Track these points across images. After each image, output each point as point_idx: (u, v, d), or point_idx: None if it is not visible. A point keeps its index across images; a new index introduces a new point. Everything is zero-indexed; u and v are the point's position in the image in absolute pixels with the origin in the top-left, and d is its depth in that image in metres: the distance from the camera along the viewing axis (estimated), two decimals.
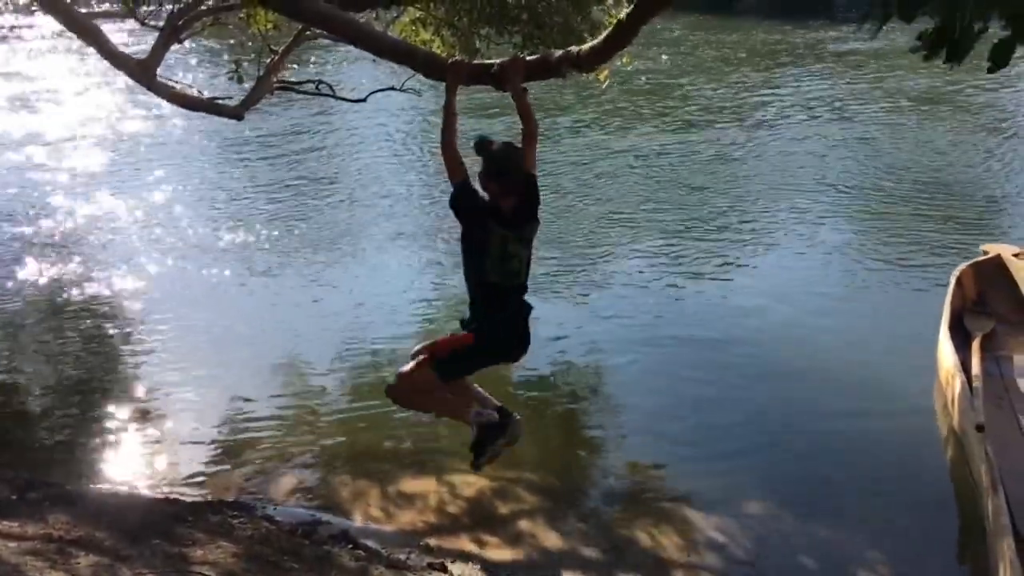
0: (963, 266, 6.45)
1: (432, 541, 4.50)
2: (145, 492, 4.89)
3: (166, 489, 4.91)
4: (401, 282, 7.71)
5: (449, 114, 3.54)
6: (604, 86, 4.79)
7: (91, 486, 4.96)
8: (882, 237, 8.39)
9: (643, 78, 15.06)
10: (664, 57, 17.06)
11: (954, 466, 5.06)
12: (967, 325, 6.00)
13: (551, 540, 4.60)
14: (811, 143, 11.31)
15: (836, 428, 5.39)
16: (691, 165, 10.59)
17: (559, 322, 6.90)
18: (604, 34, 3.38)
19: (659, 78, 15.51)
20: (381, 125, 12.45)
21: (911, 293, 7.16)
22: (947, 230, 8.41)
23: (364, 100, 5.94)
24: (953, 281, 6.24)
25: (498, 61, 3.71)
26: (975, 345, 5.68)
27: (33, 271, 7.91)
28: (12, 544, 3.58)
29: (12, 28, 19.23)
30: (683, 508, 4.78)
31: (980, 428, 4.61)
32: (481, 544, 4.55)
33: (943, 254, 7.75)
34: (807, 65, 16.45)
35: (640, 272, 7.74)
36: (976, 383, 5.15)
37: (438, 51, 4.79)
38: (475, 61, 3.92)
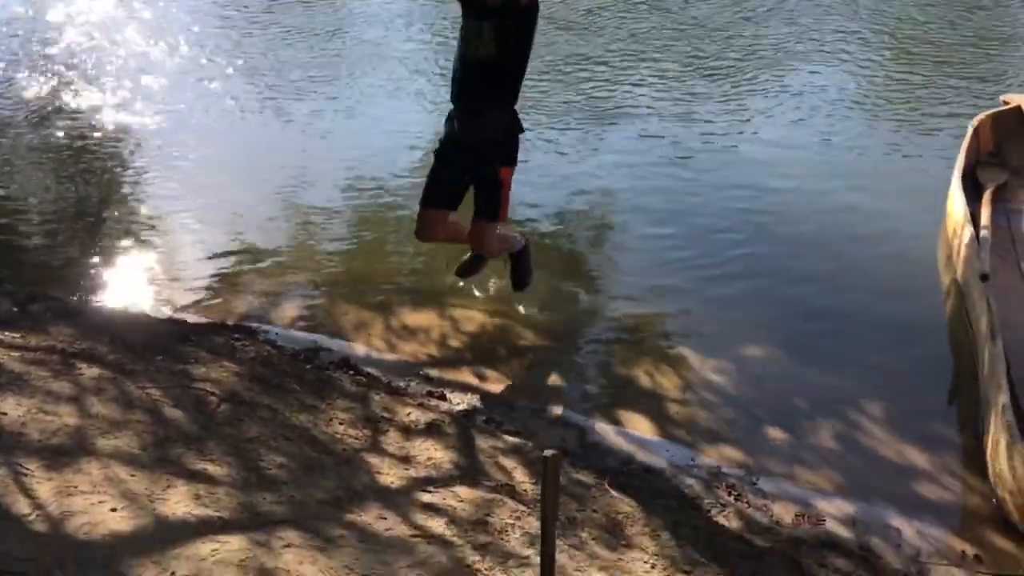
0: (981, 116, 6.28)
1: (432, 371, 4.55)
2: (148, 312, 4.91)
3: (168, 310, 4.93)
4: (413, 117, 7.54)
5: None
6: None
7: (94, 302, 4.99)
8: (900, 84, 8.16)
9: None
10: None
11: (954, 315, 5.07)
12: (980, 176, 5.90)
13: (550, 376, 4.66)
14: None
15: (837, 275, 5.37)
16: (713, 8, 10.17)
17: (565, 163, 6.79)
18: None
19: None
20: None
21: (927, 142, 7.01)
22: (968, 78, 8.17)
23: None
24: (970, 131, 6.08)
25: None
26: (986, 196, 5.60)
27: (40, 95, 7.72)
28: (15, 354, 3.60)
29: None
30: (681, 349, 4.81)
31: (984, 278, 4.58)
32: (480, 377, 4.60)
33: (963, 102, 7.55)
34: None
35: (651, 118, 7.54)
36: (984, 233, 5.10)
37: None
38: None
